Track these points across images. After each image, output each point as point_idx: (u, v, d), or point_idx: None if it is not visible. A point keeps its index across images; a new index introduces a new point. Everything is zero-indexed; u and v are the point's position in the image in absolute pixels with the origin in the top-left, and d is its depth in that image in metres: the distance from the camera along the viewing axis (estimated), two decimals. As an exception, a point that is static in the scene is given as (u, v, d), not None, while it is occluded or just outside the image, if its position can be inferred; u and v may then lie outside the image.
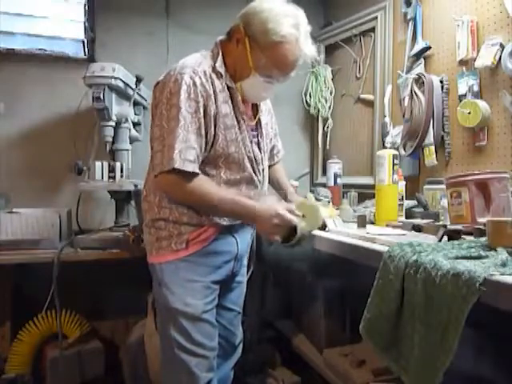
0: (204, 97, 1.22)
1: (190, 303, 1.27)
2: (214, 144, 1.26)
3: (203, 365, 1.30)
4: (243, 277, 1.53)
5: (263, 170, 1.41)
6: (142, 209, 1.40)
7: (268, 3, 1.24)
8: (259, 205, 1.25)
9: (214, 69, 1.27)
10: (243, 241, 1.41)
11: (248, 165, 1.33)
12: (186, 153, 1.18)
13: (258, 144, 1.39)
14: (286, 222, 1.21)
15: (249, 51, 1.24)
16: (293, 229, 1.24)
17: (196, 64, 1.24)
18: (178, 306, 1.27)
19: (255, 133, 1.39)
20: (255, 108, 1.42)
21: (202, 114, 1.21)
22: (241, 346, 1.54)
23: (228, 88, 1.28)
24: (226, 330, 1.46)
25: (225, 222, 1.32)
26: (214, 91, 1.24)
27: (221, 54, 1.29)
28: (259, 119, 1.41)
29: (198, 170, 1.22)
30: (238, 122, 1.30)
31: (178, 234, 1.28)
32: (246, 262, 1.53)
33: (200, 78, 1.22)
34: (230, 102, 1.29)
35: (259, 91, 1.32)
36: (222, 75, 1.27)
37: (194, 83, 1.20)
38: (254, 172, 1.35)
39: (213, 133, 1.25)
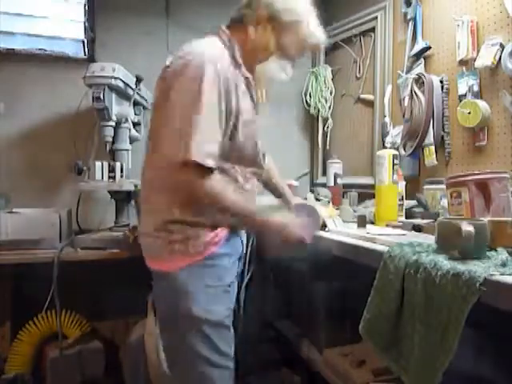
0: (227, 88, 1.14)
1: (214, 310, 1.19)
2: (232, 139, 1.20)
3: (227, 377, 1.23)
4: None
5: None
6: (141, 211, 1.30)
7: None
8: (271, 219, 1.24)
9: (231, 58, 1.21)
10: (244, 240, 1.41)
11: (259, 159, 1.31)
12: (207, 145, 1.10)
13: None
14: (296, 238, 1.23)
15: (271, 33, 1.23)
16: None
17: (216, 50, 1.18)
18: (202, 313, 1.17)
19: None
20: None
21: (224, 105, 1.14)
22: None
23: (244, 79, 1.24)
24: None
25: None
26: (236, 83, 1.18)
27: (236, 41, 1.24)
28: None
29: (215, 166, 1.13)
30: (255, 116, 1.28)
31: (196, 237, 1.19)
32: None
33: (223, 66, 1.15)
34: (248, 94, 1.25)
35: (278, 73, 1.29)
36: (240, 65, 1.23)
37: (218, 72, 1.12)
38: (260, 165, 1.34)
39: (232, 129, 1.19)
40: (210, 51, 1.16)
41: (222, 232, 1.24)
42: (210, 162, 1.10)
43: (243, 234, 1.39)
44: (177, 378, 1.24)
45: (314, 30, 1.29)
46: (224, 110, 1.14)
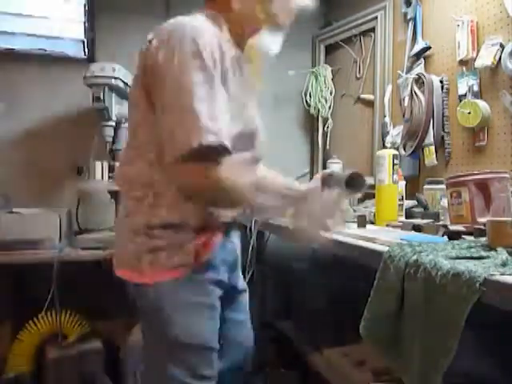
0: (225, 65, 1.00)
1: (197, 332, 1.05)
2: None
3: None
4: (244, 282, 1.35)
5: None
6: (118, 211, 1.12)
7: None
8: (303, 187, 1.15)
9: (221, 35, 1.04)
10: (238, 245, 1.23)
11: (256, 140, 1.15)
12: (221, 123, 0.92)
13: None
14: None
15: (256, 2, 1.09)
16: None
17: (206, 25, 1.01)
18: (183, 337, 1.03)
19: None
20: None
21: (226, 83, 0.99)
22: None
23: (235, 57, 1.09)
24: (241, 347, 1.34)
25: (228, 219, 1.12)
26: (223, 57, 1.00)
27: (221, 17, 1.08)
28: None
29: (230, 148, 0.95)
30: (249, 95, 1.13)
31: (180, 244, 1.02)
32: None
33: (219, 42, 0.99)
34: (240, 72, 1.11)
35: (271, 44, 1.16)
36: (230, 41, 1.08)
37: (216, 46, 0.97)
38: (259, 147, 1.17)
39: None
40: (200, 23, 1.00)
41: (214, 237, 1.07)
42: (228, 143, 0.94)
43: (236, 237, 1.22)
44: None
45: None
46: (226, 87, 0.99)
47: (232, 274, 1.19)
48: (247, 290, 1.34)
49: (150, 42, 1.03)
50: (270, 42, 1.14)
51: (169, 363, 1.03)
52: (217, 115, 0.92)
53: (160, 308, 1.02)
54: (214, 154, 0.92)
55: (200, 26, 0.98)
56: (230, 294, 1.19)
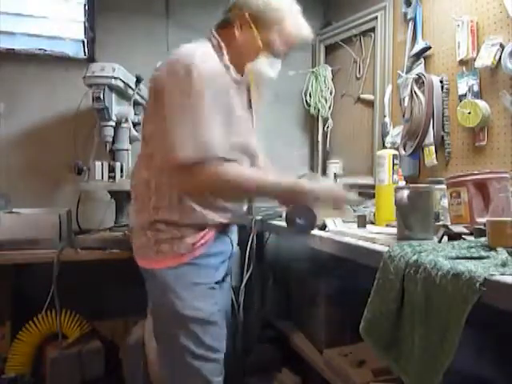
0: (220, 88, 1.20)
1: (200, 307, 1.25)
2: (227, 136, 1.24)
3: (215, 369, 1.29)
4: (230, 275, 1.55)
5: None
6: (132, 210, 1.35)
7: None
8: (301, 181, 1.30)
9: (221, 61, 1.27)
10: (235, 240, 1.46)
11: (252, 156, 1.36)
12: (216, 141, 1.16)
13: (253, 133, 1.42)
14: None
15: (256, 32, 1.27)
16: None
17: (208, 54, 1.23)
18: (188, 311, 1.24)
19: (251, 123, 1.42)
20: (248, 96, 1.43)
21: (218, 103, 1.19)
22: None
23: (233, 81, 1.29)
24: None
25: (225, 220, 1.32)
26: (226, 83, 1.24)
27: (223, 45, 1.29)
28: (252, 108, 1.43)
29: (228, 157, 1.19)
30: (246, 114, 1.33)
31: (181, 237, 1.24)
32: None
33: (214, 67, 1.21)
34: (237, 94, 1.30)
35: (268, 70, 1.33)
36: (228, 67, 1.28)
37: (212, 74, 1.18)
38: (256, 163, 1.39)
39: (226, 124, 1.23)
40: (198, 52, 1.21)
41: (209, 233, 1.29)
42: (222, 153, 1.17)
43: (232, 233, 1.43)
44: (165, 367, 1.33)
45: (299, 26, 1.32)
46: (219, 107, 1.19)
47: (230, 262, 1.43)
48: (229, 282, 1.53)
49: (159, 69, 1.24)
50: (267, 68, 1.31)
51: (180, 335, 1.24)
52: (212, 132, 1.14)
53: (168, 288, 1.24)
54: (210, 161, 1.15)
55: (203, 54, 1.19)
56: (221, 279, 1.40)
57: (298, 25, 1.31)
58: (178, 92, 1.15)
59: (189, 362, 1.24)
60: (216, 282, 1.33)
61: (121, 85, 1.93)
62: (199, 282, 1.26)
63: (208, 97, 1.15)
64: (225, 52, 1.28)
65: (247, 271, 1.84)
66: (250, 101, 1.42)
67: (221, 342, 1.31)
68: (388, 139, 2.08)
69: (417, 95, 1.85)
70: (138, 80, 2.02)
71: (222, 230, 1.34)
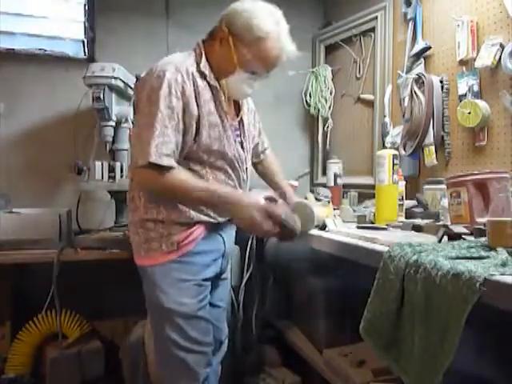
0: (185, 94, 1.23)
1: (185, 302, 1.30)
2: (197, 141, 1.27)
3: (201, 361, 1.34)
4: (228, 273, 1.56)
5: (247, 170, 1.44)
6: (128, 209, 1.40)
7: (249, 3, 1.29)
8: (244, 196, 1.27)
9: (197, 68, 1.29)
10: (229, 238, 1.46)
11: (232, 164, 1.35)
12: (163, 147, 1.19)
13: (241, 143, 1.41)
14: (274, 216, 1.20)
15: (233, 49, 1.27)
16: (290, 226, 1.22)
17: (179, 62, 1.26)
18: (173, 305, 1.29)
19: (238, 132, 1.41)
20: (237, 108, 1.44)
21: (181, 111, 1.22)
22: (226, 341, 1.56)
23: (210, 87, 1.30)
24: (212, 325, 1.45)
25: (213, 219, 1.33)
26: (196, 90, 1.26)
27: (204, 53, 1.32)
28: (241, 119, 1.43)
29: (174, 164, 1.22)
30: (222, 121, 1.32)
31: (168, 235, 1.29)
32: (231, 259, 1.55)
33: (182, 75, 1.23)
34: (213, 100, 1.30)
35: (243, 87, 1.34)
36: (205, 75, 1.29)
37: (176, 80, 1.22)
38: (238, 171, 1.38)
39: (194, 131, 1.26)
40: (171, 61, 1.26)
41: (197, 230, 1.31)
42: (167, 161, 1.19)
43: (225, 231, 1.41)
44: (157, 359, 1.41)
45: (280, 48, 1.29)
46: (182, 114, 1.23)
47: (224, 260, 1.44)
48: (228, 279, 1.56)
49: (139, 78, 1.35)
50: (241, 85, 1.33)
51: (166, 328, 1.30)
52: (153, 139, 1.18)
53: (155, 284, 1.30)
54: (162, 167, 1.19)
55: (178, 63, 1.25)
56: (216, 279, 1.44)
57: (277, 48, 1.28)
58: (145, 100, 1.22)
59: (174, 352, 1.31)
60: (206, 279, 1.35)
61: (121, 85, 1.93)
62: (185, 278, 1.30)
63: (169, 104, 1.20)
64: (204, 60, 1.30)
65: (247, 271, 1.84)
66: (238, 109, 1.43)
67: (207, 336, 1.36)
68: (388, 139, 2.08)
69: (417, 95, 1.85)
70: (138, 80, 2.02)
71: (212, 228, 1.35)
